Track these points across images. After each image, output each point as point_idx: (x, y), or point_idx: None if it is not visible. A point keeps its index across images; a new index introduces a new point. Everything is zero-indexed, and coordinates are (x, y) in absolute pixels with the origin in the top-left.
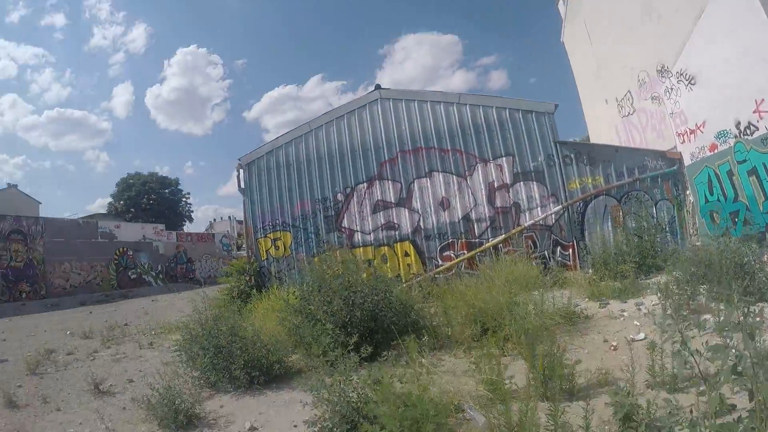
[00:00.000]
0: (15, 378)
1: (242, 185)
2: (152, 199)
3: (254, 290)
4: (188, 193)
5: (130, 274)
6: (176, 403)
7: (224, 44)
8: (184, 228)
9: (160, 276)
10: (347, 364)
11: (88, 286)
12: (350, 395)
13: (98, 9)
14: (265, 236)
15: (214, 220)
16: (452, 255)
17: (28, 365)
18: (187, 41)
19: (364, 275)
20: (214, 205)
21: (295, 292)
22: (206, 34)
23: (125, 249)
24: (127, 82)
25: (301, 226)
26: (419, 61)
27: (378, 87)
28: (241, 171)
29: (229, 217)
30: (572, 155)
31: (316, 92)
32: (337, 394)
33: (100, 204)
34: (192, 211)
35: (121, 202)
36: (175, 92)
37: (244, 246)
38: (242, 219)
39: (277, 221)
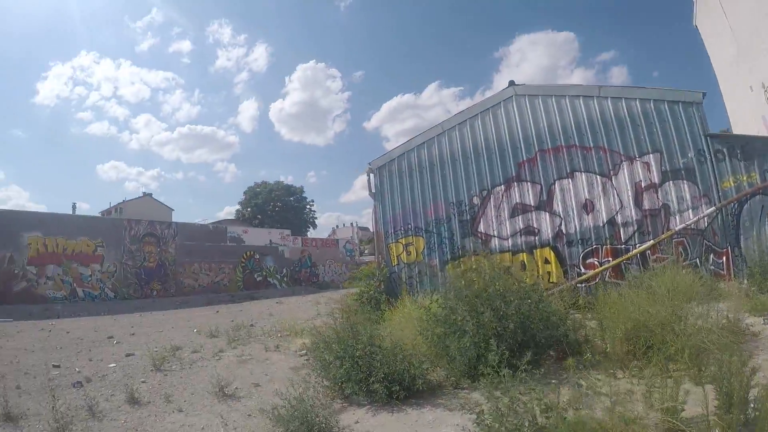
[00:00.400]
0: (140, 373)
1: (373, 189)
2: (278, 206)
3: (384, 296)
4: (312, 201)
5: (256, 276)
6: (309, 417)
7: (341, 58)
8: (308, 234)
9: (285, 279)
10: (508, 383)
11: (215, 287)
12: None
13: (221, 34)
14: (397, 241)
15: (337, 226)
16: (596, 263)
17: (154, 361)
18: (305, 57)
19: (516, 283)
20: (337, 212)
21: (438, 299)
22: (323, 49)
23: (252, 252)
24: (251, 98)
25: (434, 230)
26: (536, 62)
27: (512, 83)
28: (372, 175)
29: (351, 224)
30: (725, 150)
31: (433, 99)
32: (508, 419)
33: (228, 211)
34: (316, 218)
35: (249, 209)
36: (296, 106)
37: (366, 251)
38: (365, 226)
39: (409, 226)
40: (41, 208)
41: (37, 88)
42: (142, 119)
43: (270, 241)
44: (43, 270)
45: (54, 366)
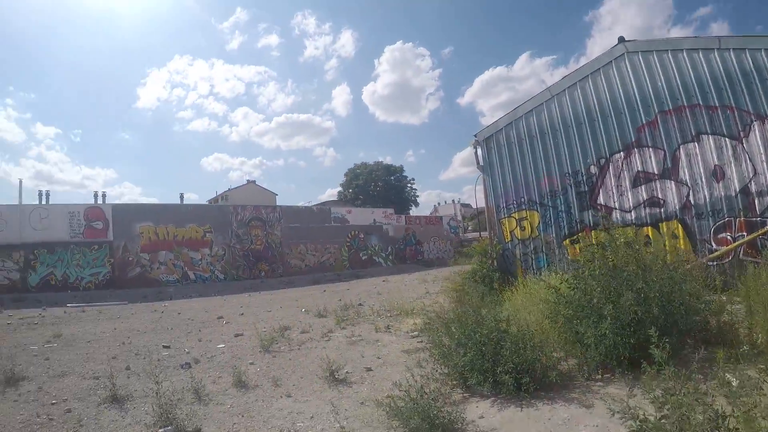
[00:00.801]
0: (248, 354)
1: (480, 162)
2: (379, 186)
3: (497, 274)
4: (413, 179)
5: (361, 255)
6: (431, 412)
7: (428, 36)
8: (410, 212)
9: (390, 257)
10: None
11: (321, 266)
12: None
13: (305, 24)
14: (509, 216)
15: (438, 203)
16: (729, 237)
17: (262, 342)
18: (392, 39)
19: (659, 261)
20: (437, 189)
21: (568, 279)
22: (409, 29)
23: (357, 232)
24: (343, 84)
25: (549, 204)
26: (629, 23)
27: (621, 39)
28: (478, 148)
29: (453, 201)
30: None
31: (526, 70)
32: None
33: (330, 194)
34: (417, 196)
35: (350, 191)
36: (388, 87)
37: (470, 228)
38: (467, 202)
39: (522, 199)
40: (152, 200)
41: (138, 93)
42: (240, 112)
43: (374, 220)
44: (155, 256)
45: (164, 347)
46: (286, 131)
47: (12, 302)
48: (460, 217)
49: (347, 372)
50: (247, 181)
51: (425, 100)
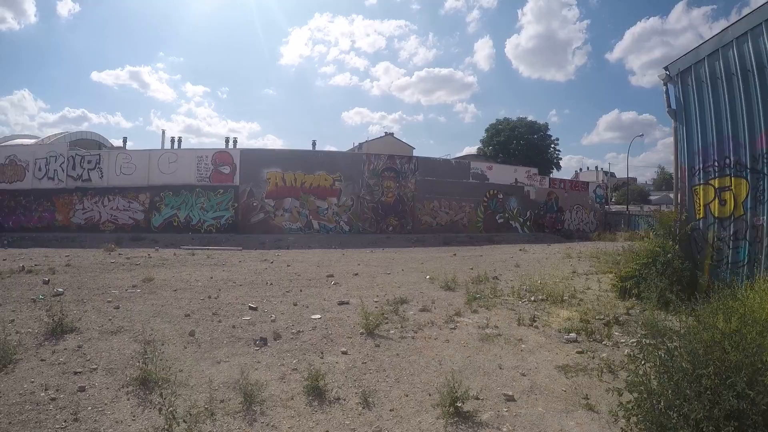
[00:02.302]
0: (345, 336)
1: (672, 105)
2: (521, 145)
3: (684, 264)
4: (557, 139)
5: (497, 218)
6: None
7: None
8: (552, 175)
9: (527, 223)
10: None
11: (453, 226)
12: None
13: None
14: (706, 182)
15: (580, 169)
16: None
17: (368, 320)
18: None
19: None
20: (578, 155)
21: None
22: None
23: (496, 191)
24: (486, 36)
25: (765, 170)
26: None
27: None
28: (670, 84)
29: (597, 168)
30: None
31: (682, 22)
32: None
33: (467, 152)
34: (560, 159)
35: (490, 148)
36: (533, 40)
37: (613, 200)
38: (611, 171)
39: (727, 161)
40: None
41: (281, 51)
42: (381, 67)
43: (516, 179)
44: (280, 203)
45: (250, 308)
46: (427, 86)
47: (131, 241)
48: (607, 185)
49: (477, 399)
50: (385, 133)
51: (571, 54)
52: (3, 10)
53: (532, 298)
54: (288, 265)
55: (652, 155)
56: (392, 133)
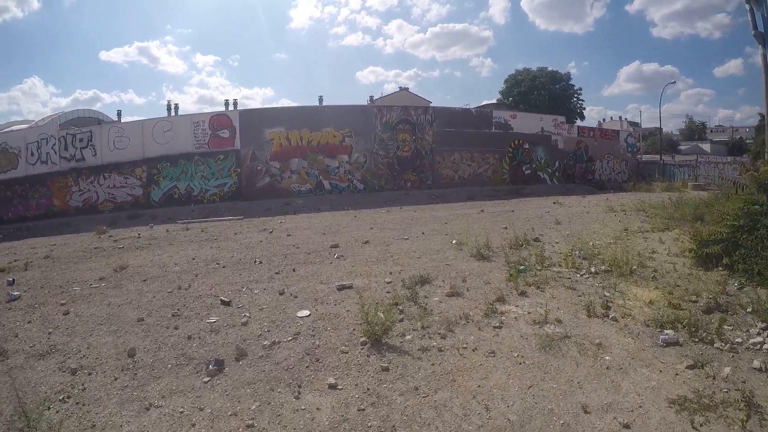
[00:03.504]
0: (336, 350)
1: (759, 27)
2: (542, 95)
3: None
4: (580, 89)
5: (524, 169)
6: None
7: None
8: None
9: (556, 174)
10: None
11: (477, 179)
12: None
13: None
14: None
15: (603, 119)
16: None
17: (372, 322)
18: None
19: None
20: (599, 106)
21: None
22: None
23: (521, 141)
24: None
25: None
26: None
27: None
28: (755, 7)
29: (620, 117)
30: None
31: None
32: None
33: (487, 103)
34: (584, 109)
35: (510, 99)
36: None
37: (641, 149)
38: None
39: None
40: None
41: (291, 15)
42: (394, 25)
43: (542, 128)
44: (287, 164)
45: (222, 302)
46: (442, 41)
47: (127, 220)
48: (639, 133)
49: None
50: (400, 88)
51: (590, 6)
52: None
53: (592, 269)
54: (288, 235)
55: (675, 107)
56: (407, 88)
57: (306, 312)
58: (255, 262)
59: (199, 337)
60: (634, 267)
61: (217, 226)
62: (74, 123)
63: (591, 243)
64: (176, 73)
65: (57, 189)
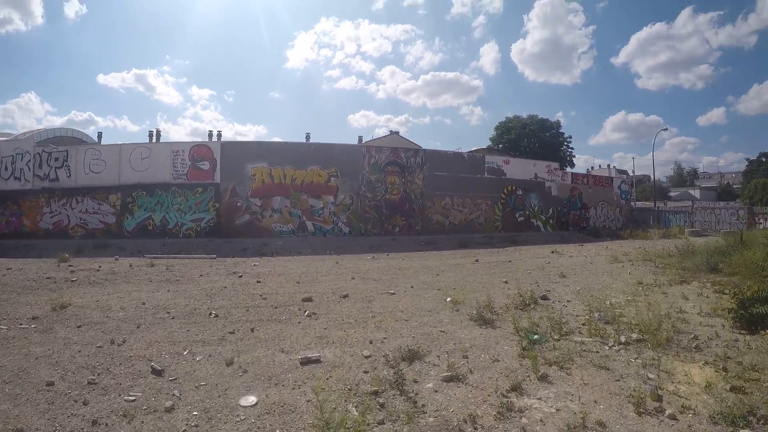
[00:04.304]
0: None
1: None
2: (532, 142)
3: None
4: (569, 137)
5: (517, 216)
6: None
7: None
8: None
9: (550, 221)
10: None
11: (468, 226)
12: None
13: None
14: None
15: (592, 167)
16: None
17: (329, 422)
18: None
19: None
20: (585, 155)
21: None
22: None
23: (514, 187)
24: (491, 41)
25: None
26: None
27: None
28: None
29: (609, 165)
30: None
31: (688, 28)
32: None
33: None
34: (573, 156)
35: (501, 145)
36: (538, 45)
37: (632, 197)
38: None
39: None
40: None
41: (287, 55)
42: (387, 71)
43: (535, 174)
44: (268, 202)
45: (153, 371)
46: (433, 89)
47: (95, 248)
48: (631, 182)
49: None
50: (390, 131)
51: (577, 59)
52: (10, 10)
53: (621, 338)
54: (258, 281)
55: (660, 154)
56: (398, 132)
57: (253, 399)
58: (210, 314)
59: (107, 425)
60: (670, 336)
61: (185, 265)
62: (56, 141)
63: (608, 302)
64: (171, 103)
65: (28, 208)
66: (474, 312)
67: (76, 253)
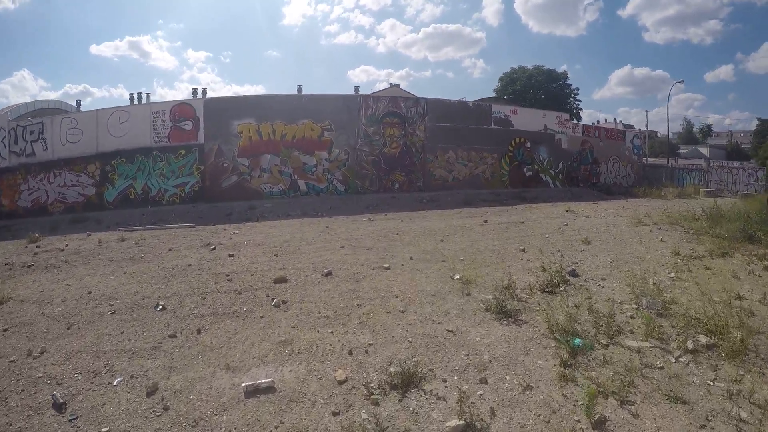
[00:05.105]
0: None
1: None
2: (538, 94)
3: None
4: (577, 89)
5: (525, 170)
6: None
7: None
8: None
9: (560, 176)
10: None
11: (474, 181)
12: None
13: None
14: None
15: (597, 122)
16: None
17: None
18: None
19: None
20: (589, 109)
21: None
22: None
23: (522, 139)
24: None
25: None
26: None
27: None
28: None
29: (615, 120)
30: None
31: None
32: None
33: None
34: (581, 109)
35: (505, 97)
36: None
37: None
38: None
39: None
40: None
41: (284, 12)
42: (387, 24)
43: (545, 126)
44: (257, 161)
45: (54, 405)
46: (435, 42)
47: (70, 224)
48: (645, 134)
49: None
50: (390, 84)
51: (583, 10)
52: None
53: (688, 344)
54: (230, 255)
55: (664, 111)
56: (398, 84)
57: None
58: (157, 306)
59: None
60: (743, 335)
61: (158, 237)
62: (36, 115)
63: (650, 281)
64: (167, 68)
65: (6, 187)
66: (490, 297)
67: (50, 231)
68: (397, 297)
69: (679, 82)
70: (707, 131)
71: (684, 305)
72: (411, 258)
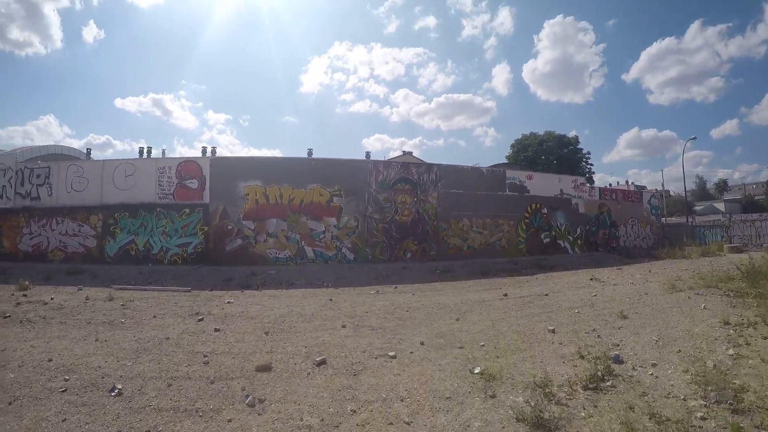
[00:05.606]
0: None
1: None
2: (550, 159)
3: None
4: (588, 153)
5: (542, 237)
6: None
7: (590, 8)
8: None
9: (578, 242)
10: None
11: (490, 250)
12: None
13: (462, 4)
14: None
15: (610, 185)
16: None
17: None
18: (551, 13)
19: None
20: (599, 173)
21: None
22: (569, 1)
23: (539, 205)
24: (503, 62)
25: None
26: None
27: None
28: None
29: (627, 182)
30: None
31: (697, 41)
32: None
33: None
34: (593, 173)
35: (517, 164)
36: (549, 64)
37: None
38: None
39: None
40: None
41: (301, 80)
42: (400, 94)
43: (561, 190)
44: (262, 225)
45: None
46: (447, 111)
47: (66, 275)
48: (662, 194)
49: None
50: (403, 152)
51: (588, 77)
52: (30, 34)
53: None
54: (216, 330)
55: (674, 170)
56: (411, 152)
57: None
58: (113, 390)
59: None
60: None
61: (147, 300)
62: (48, 159)
63: (709, 362)
64: (188, 128)
65: (8, 228)
66: (521, 401)
67: (44, 280)
68: (402, 400)
69: (692, 139)
70: (723, 186)
71: (757, 392)
72: (422, 343)
